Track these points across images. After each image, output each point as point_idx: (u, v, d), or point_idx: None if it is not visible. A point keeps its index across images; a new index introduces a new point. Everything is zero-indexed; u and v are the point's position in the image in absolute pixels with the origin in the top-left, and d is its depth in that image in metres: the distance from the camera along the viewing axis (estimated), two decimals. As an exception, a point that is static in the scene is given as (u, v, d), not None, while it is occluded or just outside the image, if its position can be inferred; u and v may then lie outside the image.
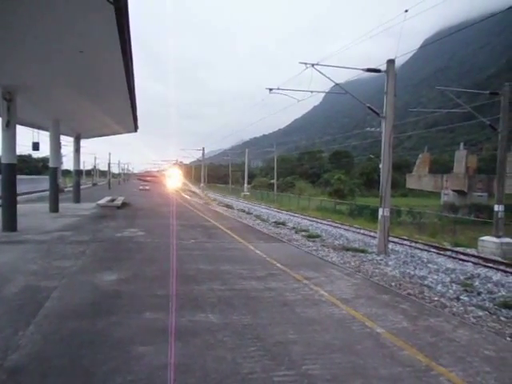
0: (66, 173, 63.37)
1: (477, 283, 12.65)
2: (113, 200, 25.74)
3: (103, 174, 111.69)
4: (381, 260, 14.49)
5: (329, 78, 13.44)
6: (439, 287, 12.19)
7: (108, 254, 9.60)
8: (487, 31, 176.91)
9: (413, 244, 19.38)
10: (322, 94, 23.78)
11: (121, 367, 3.78)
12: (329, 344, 4.53)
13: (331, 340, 4.64)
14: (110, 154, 76.78)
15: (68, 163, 59.05)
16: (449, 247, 19.63)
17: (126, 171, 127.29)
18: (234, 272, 8.03)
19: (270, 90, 17.70)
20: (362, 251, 15.79)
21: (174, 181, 63.40)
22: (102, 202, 24.03)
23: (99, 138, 33.20)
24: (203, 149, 72.12)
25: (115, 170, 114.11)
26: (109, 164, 75.73)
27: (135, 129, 24.25)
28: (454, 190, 42.31)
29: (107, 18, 7.10)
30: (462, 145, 46.26)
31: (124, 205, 24.19)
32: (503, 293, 11.73)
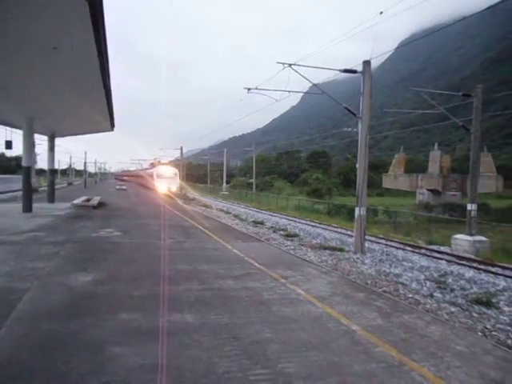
0: (41, 172, 61.96)
1: (450, 280, 12.95)
2: (88, 200, 25.30)
3: (79, 173, 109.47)
4: (357, 258, 14.68)
5: (306, 78, 13.54)
6: (414, 284, 12.43)
7: (83, 254, 9.44)
8: (461, 35, 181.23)
9: (389, 242, 19.71)
10: (300, 94, 23.95)
11: (96, 369, 3.73)
12: (305, 342, 4.57)
13: (307, 338, 4.69)
14: (85, 152, 75.55)
15: (43, 162, 57.84)
16: (423, 245, 20.05)
17: (102, 170, 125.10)
18: (212, 272, 8.02)
19: (249, 89, 17.72)
20: (339, 250, 15.97)
21: (164, 181, 46.07)
22: (77, 201, 23.60)
23: (75, 136, 32.59)
24: (181, 148, 71.53)
25: (91, 169, 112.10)
26: (85, 163, 74.53)
27: (111, 127, 23.88)
28: (428, 190, 43.21)
29: (81, 13, 6.96)
30: (436, 145, 47.34)
31: (100, 205, 23.82)
32: (475, 289, 12.04)
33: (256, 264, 8.91)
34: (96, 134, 29.85)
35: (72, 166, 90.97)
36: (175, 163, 66.29)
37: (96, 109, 17.13)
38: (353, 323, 5.27)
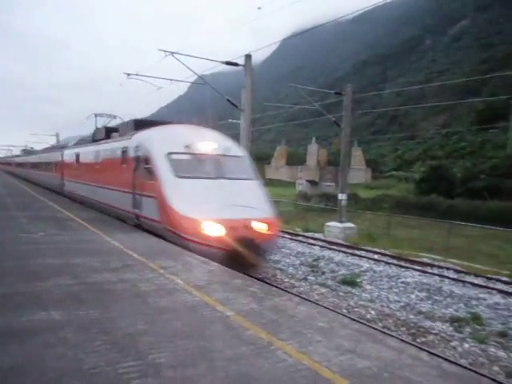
0: None
1: (322, 264, 14.07)
2: None
3: None
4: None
5: (188, 67, 13.41)
6: (290, 269, 13.25)
7: None
8: (337, 37, 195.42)
9: (269, 231, 20.63)
10: (188, 84, 23.68)
11: None
12: (179, 331, 4.61)
13: (181, 327, 4.73)
14: None
15: None
16: (300, 233, 21.42)
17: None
18: (86, 265, 7.60)
19: (128, 75, 16.95)
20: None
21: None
22: None
23: None
24: (57, 134, 65.65)
25: None
26: None
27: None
28: (307, 181, 46.16)
29: None
30: (314, 139, 50.74)
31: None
32: (343, 271, 13.28)
33: (135, 255, 8.67)
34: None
35: None
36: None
37: None
38: (228, 309, 5.45)
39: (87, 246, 9.63)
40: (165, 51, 13.49)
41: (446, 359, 4.22)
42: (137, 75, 16.61)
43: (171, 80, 16.05)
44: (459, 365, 4.10)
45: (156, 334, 4.48)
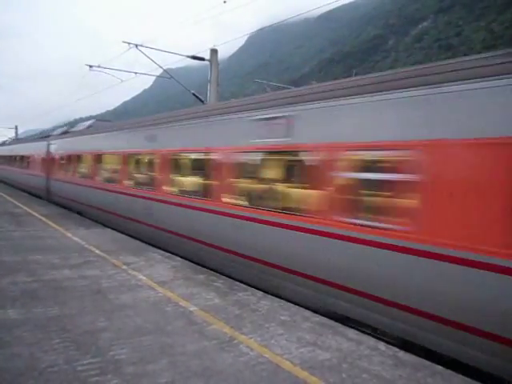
0: None
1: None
2: None
3: None
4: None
5: (153, 60, 13.19)
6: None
7: None
8: (303, 34, 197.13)
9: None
10: (153, 78, 23.32)
11: None
12: (140, 328, 4.56)
13: (143, 323, 4.69)
14: None
15: None
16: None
17: None
18: (45, 262, 7.40)
19: (90, 66, 16.46)
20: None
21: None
22: None
23: None
24: (16, 127, 62.96)
25: None
26: None
27: None
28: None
29: None
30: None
31: None
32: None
33: (97, 251, 8.51)
34: None
35: None
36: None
37: None
38: (191, 304, 5.44)
39: (46, 242, 9.35)
40: (129, 43, 13.21)
41: (401, 349, 4.38)
42: (99, 67, 16.19)
43: (135, 73, 15.75)
44: (413, 354, 4.26)
45: (117, 331, 4.42)
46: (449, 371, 3.89)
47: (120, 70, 16.21)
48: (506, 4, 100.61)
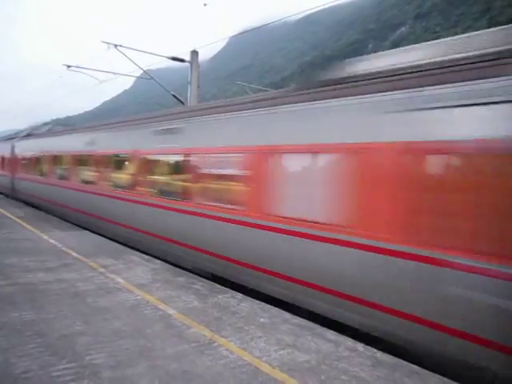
0: None
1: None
2: None
3: None
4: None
5: (132, 61, 13.05)
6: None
7: None
8: (284, 37, 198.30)
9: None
10: (133, 78, 23.07)
11: None
12: (118, 331, 4.51)
13: (121, 327, 4.64)
14: None
15: None
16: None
17: None
18: (20, 265, 7.24)
19: (68, 66, 16.16)
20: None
21: None
22: None
23: None
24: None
25: None
26: None
27: None
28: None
29: None
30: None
31: None
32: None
33: (74, 254, 8.37)
34: None
35: None
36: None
37: None
38: (170, 307, 5.40)
39: (22, 244, 9.15)
40: (108, 43, 13.03)
41: (379, 349, 4.46)
42: (77, 67, 15.90)
43: (114, 74, 15.54)
44: (391, 354, 4.34)
45: (94, 335, 4.36)
46: (425, 371, 3.97)
47: (98, 71, 16.00)
48: (481, 12, 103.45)
